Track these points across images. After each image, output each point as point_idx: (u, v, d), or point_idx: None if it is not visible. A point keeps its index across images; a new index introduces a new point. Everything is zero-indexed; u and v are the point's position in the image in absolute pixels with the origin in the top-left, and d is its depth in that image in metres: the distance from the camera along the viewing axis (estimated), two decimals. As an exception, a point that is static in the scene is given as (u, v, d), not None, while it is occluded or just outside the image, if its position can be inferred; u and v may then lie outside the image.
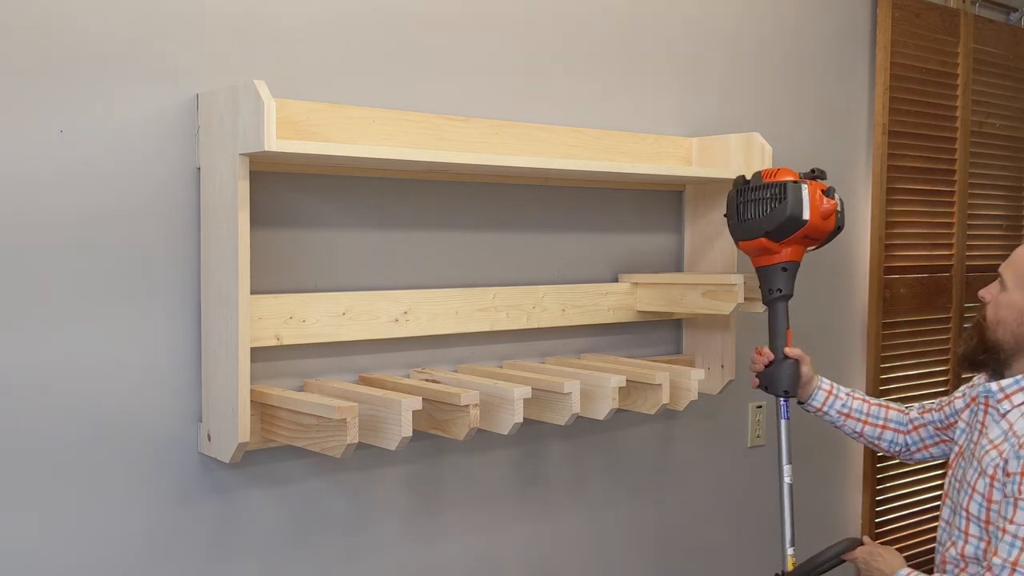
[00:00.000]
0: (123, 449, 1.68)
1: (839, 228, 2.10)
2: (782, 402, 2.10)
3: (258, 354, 1.79)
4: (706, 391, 2.42)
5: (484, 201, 2.13)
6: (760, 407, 2.77)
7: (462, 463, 2.14)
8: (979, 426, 1.85)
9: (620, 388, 2.00)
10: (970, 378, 1.97)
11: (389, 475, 2.03)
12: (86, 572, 1.66)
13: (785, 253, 2.08)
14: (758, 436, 2.79)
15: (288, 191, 1.85)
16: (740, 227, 2.11)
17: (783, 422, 2.12)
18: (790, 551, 2.06)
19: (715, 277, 2.25)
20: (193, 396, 1.75)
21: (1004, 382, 1.81)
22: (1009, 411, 1.78)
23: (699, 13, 2.53)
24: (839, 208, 2.08)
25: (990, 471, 1.75)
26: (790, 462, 2.11)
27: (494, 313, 2.10)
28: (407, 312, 1.96)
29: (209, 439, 1.73)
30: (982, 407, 1.85)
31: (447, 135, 2.00)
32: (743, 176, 2.16)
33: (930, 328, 3.25)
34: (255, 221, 1.75)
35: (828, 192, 2.07)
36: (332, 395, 1.76)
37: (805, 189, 2.04)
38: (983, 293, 1.87)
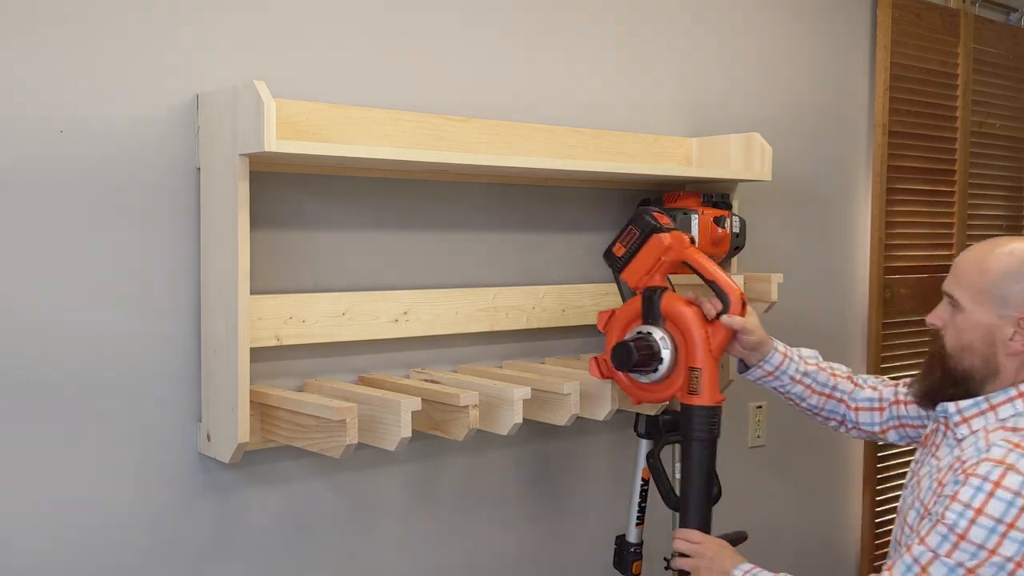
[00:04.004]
0: (122, 449, 1.68)
1: (737, 248, 2.26)
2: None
3: (258, 354, 1.78)
4: (706, 391, 2.42)
5: (484, 201, 2.13)
6: (760, 407, 2.77)
7: (461, 464, 2.14)
8: (933, 448, 1.67)
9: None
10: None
11: (388, 475, 2.03)
12: (86, 572, 1.66)
13: (682, 272, 2.18)
14: (758, 436, 2.79)
15: (288, 191, 1.85)
16: None
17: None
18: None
19: (715, 277, 2.25)
20: (193, 396, 1.75)
21: (963, 403, 1.59)
22: (965, 437, 1.58)
23: (700, 13, 2.53)
24: (736, 231, 2.23)
25: (926, 500, 1.57)
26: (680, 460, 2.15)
27: (494, 313, 2.10)
28: (407, 312, 1.96)
29: (208, 439, 1.73)
30: (942, 427, 1.66)
31: (447, 135, 2.00)
32: (648, 198, 2.29)
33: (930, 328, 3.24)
34: (255, 221, 1.75)
35: (720, 221, 2.18)
36: (332, 395, 1.76)
37: (695, 219, 2.16)
38: (932, 320, 1.66)
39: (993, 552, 1.41)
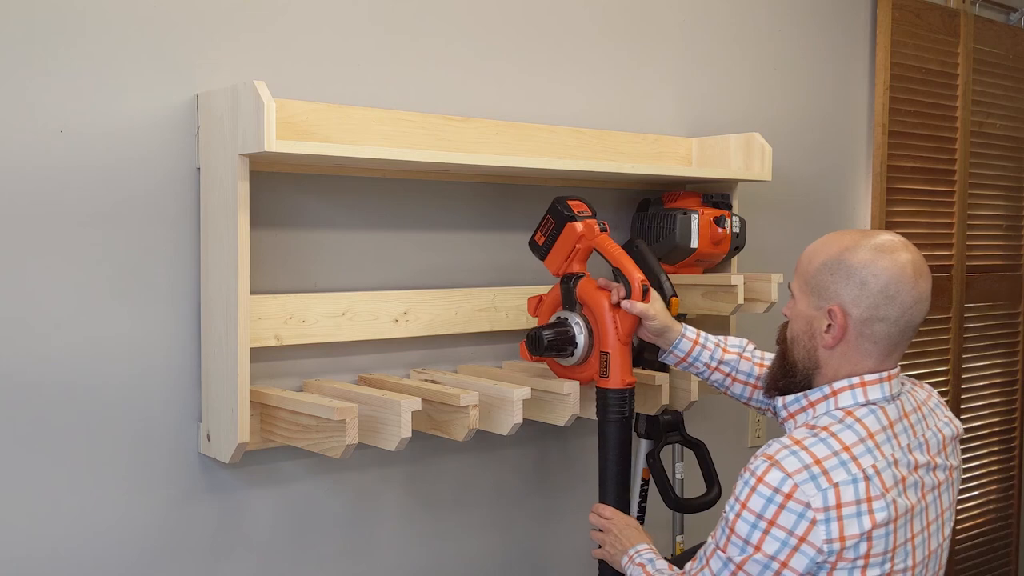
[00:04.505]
0: (122, 449, 1.68)
1: (737, 248, 2.30)
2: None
3: (258, 354, 1.78)
4: (706, 392, 2.41)
5: (484, 201, 2.13)
6: (760, 407, 2.77)
7: (461, 464, 2.14)
8: None
9: (620, 388, 2.00)
10: None
11: (388, 475, 2.03)
12: (85, 572, 1.66)
13: (682, 272, 2.28)
14: (758, 436, 2.79)
15: (288, 191, 1.85)
16: None
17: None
18: (679, 539, 2.36)
19: (715, 277, 2.25)
20: (193, 396, 1.75)
21: (788, 398, 1.56)
22: (791, 432, 1.52)
23: (699, 13, 2.53)
24: (736, 231, 2.27)
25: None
26: (681, 460, 2.31)
27: (494, 313, 2.10)
28: (407, 312, 1.96)
29: (208, 439, 1.73)
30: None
31: (447, 135, 2.00)
32: (648, 198, 2.31)
33: (930, 328, 3.25)
34: (255, 221, 1.75)
35: (720, 221, 2.20)
36: (331, 395, 1.76)
37: (695, 219, 2.20)
38: (785, 310, 1.62)
39: (757, 548, 1.40)
